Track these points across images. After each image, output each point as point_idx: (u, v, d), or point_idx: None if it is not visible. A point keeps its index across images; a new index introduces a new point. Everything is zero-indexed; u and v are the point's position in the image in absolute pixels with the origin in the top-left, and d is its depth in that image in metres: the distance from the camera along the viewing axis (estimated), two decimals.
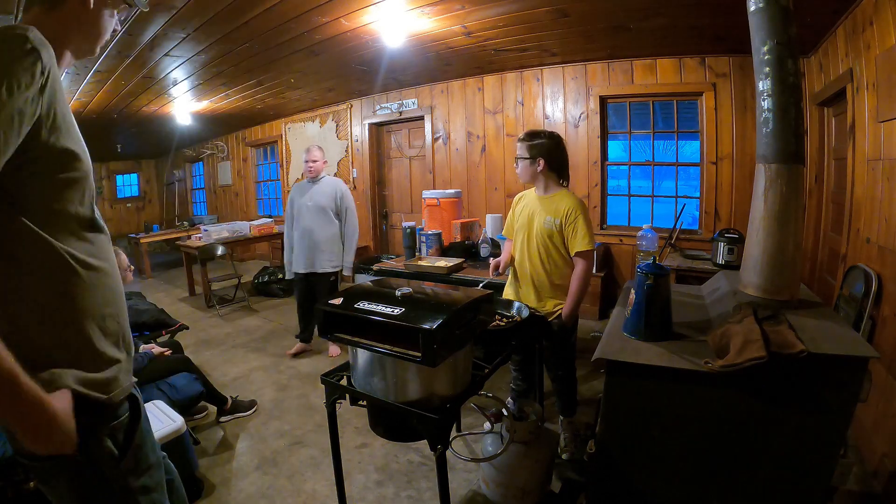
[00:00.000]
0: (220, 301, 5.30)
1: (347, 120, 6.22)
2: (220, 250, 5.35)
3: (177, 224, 9.08)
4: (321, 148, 3.58)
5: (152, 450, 1.01)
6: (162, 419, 2.06)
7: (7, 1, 2.42)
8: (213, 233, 5.79)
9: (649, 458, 1.35)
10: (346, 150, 6.33)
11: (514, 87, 4.80)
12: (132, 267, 2.61)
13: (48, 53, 0.79)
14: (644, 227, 3.59)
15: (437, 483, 1.50)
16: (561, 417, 2.43)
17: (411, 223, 3.72)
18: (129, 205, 10.36)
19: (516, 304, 2.20)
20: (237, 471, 2.33)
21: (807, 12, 2.56)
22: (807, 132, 3.34)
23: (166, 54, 3.57)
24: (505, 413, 1.87)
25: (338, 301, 1.49)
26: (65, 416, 0.78)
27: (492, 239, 3.48)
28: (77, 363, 0.85)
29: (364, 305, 1.42)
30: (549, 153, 2.22)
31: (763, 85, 1.37)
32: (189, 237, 6.31)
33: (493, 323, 1.96)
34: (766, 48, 1.35)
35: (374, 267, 3.51)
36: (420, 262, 3.31)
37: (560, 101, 4.56)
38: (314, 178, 3.53)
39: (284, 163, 7.27)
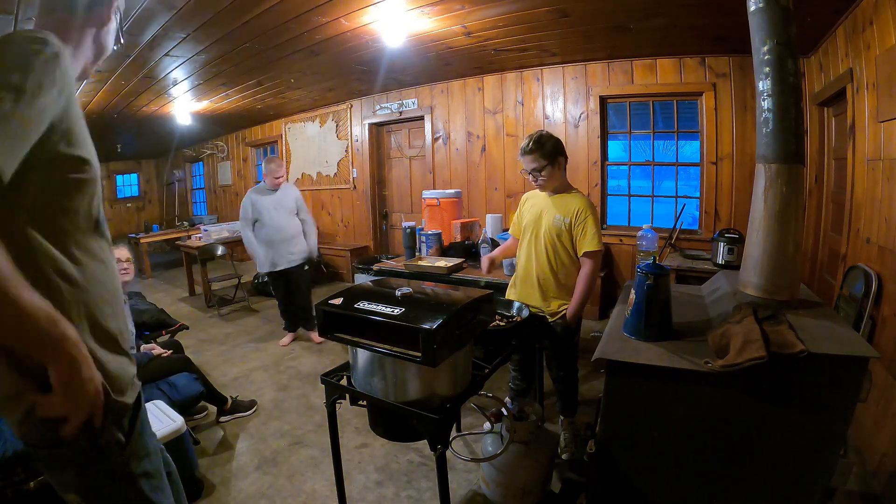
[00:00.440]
0: (220, 301, 5.30)
1: (347, 120, 6.22)
2: (220, 250, 5.36)
3: (177, 224, 9.08)
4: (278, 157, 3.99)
5: (151, 437, 1.05)
6: (162, 419, 2.06)
7: (7, 1, 2.42)
8: (213, 233, 5.79)
9: (649, 458, 1.35)
10: (346, 150, 6.33)
11: (514, 87, 4.80)
12: (130, 257, 2.62)
13: (67, 58, 0.82)
14: (644, 227, 3.59)
15: (437, 483, 1.50)
16: (561, 417, 2.43)
17: (411, 223, 3.73)
18: (129, 205, 10.36)
19: (516, 304, 2.20)
20: (237, 471, 2.33)
21: (807, 12, 2.56)
22: (807, 132, 3.34)
23: (166, 54, 3.57)
24: (505, 413, 1.87)
25: (338, 301, 1.49)
26: (98, 379, 0.83)
27: (492, 239, 3.48)
28: None
29: (364, 305, 1.42)
30: (562, 151, 2.19)
31: (763, 85, 1.37)
32: (189, 237, 6.31)
33: (493, 323, 1.96)
34: (766, 48, 1.35)
35: (374, 267, 3.52)
36: (420, 262, 3.32)
37: (560, 101, 4.56)
38: (276, 188, 3.86)
39: (284, 163, 7.27)
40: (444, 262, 3.22)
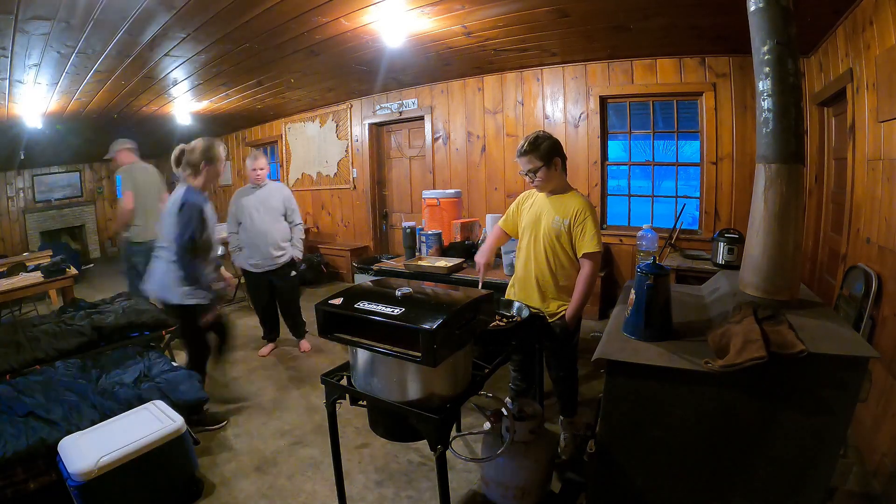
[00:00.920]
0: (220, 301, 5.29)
1: (347, 120, 6.22)
2: (220, 250, 5.34)
3: None
4: (265, 155, 3.67)
5: None
6: (162, 419, 2.06)
7: (7, 1, 2.42)
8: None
9: (649, 458, 1.35)
10: (346, 150, 6.33)
11: (514, 87, 4.80)
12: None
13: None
14: (644, 227, 3.59)
15: (437, 483, 1.50)
16: (561, 417, 2.43)
17: (411, 223, 3.72)
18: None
19: (516, 304, 2.20)
20: (237, 471, 2.33)
21: (807, 12, 2.56)
22: (807, 132, 3.34)
23: (166, 54, 3.57)
24: (505, 413, 1.87)
25: (338, 301, 1.49)
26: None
27: None
28: None
29: (364, 305, 1.42)
30: (559, 151, 2.18)
31: (763, 85, 1.37)
32: None
33: (493, 323, 1.96)
34: (766, 48, 1.35)
35: (374, 267, 3.52)
36: (420, 262, 3.31)
37: (560, 101, 4.56)
38: (259, 184, 3.62)
39: (284, 163, 7.27)
40: (444, 262, 3.22)
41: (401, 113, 5.65)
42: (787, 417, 1.19)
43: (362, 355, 1.49)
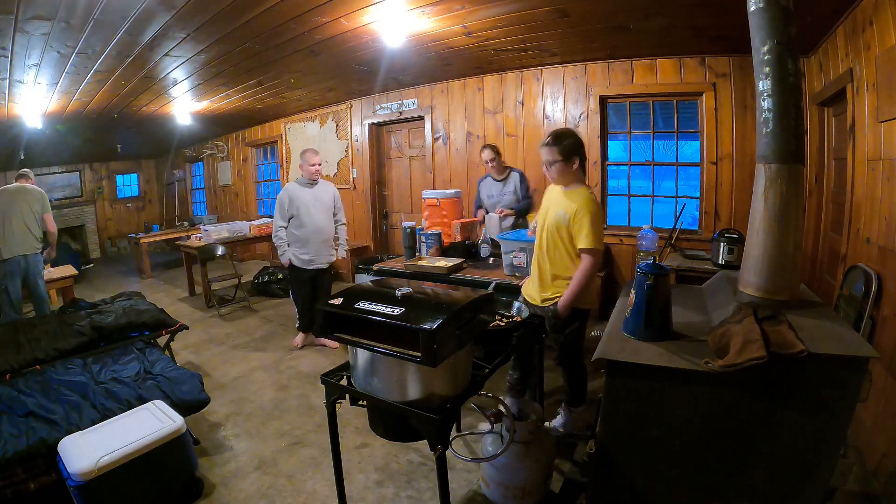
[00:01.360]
0: (220, 301, 5.30)
1: (347, 120, 6.22)
2: (219, 250, 5.35)
3: (177, 224, 9.07)
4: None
5: None
6: (162, 419, 2.06)
7: (7, 1, 2.42)
8: (213, 233, 5.78)
9: (649, 458, 1.35)
10: (346, 150, 6.33)
11: (514, 87, 4.80)
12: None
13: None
14: (644, 227, 3.60)
15: (437, 483, 1.50)
16: (563, 405, 2.49)
17: (411, 223, 3.72)
18: (129, 205, 10.34)
19: (516, 305, 2.21)
20: (237, 471, 2.33)
21: (807, 12, 2.56)
22: (807, 132, 3.34)
23: (166, 54, 3.57)
24: (505, 413, 1.87)
25: (338, 301, 1.49)
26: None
27: (492, 239, 3.48)
28: None
29: (364, 305, 1.42)
30: (579, 151, 2.24)
31: (763, 85, 1.37)
32: (189, 237, 6.30)
33: (493, 323, 1.96)
34: (766, 48, 1.35)
35: (374, 267, 3.52)
36: (420, 262, 3.32)
37: (560, 101, 4.56)
38: (314, 181, 3.71)
39: (284, 163, 7.27)
40: (444, 262, 3.22)
41: (401, 113, 5.65)
42: (787, 417, 1.19)
43: (362, 355, 1.49)
